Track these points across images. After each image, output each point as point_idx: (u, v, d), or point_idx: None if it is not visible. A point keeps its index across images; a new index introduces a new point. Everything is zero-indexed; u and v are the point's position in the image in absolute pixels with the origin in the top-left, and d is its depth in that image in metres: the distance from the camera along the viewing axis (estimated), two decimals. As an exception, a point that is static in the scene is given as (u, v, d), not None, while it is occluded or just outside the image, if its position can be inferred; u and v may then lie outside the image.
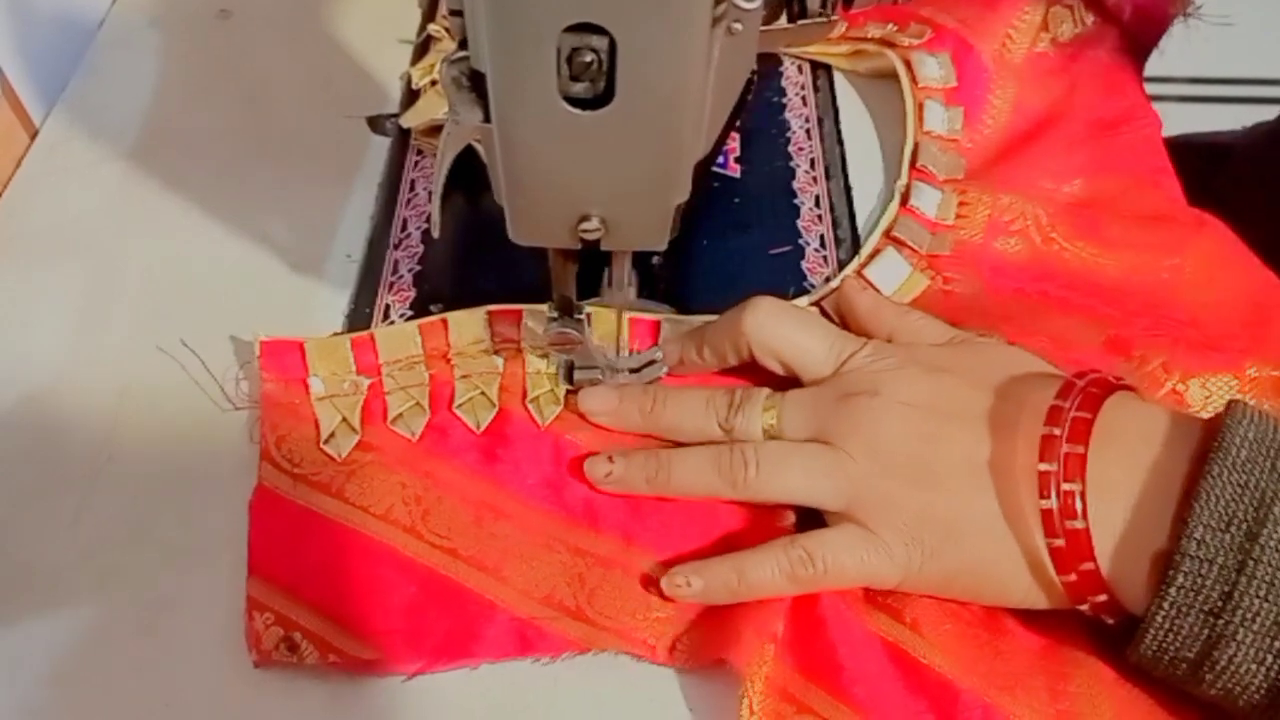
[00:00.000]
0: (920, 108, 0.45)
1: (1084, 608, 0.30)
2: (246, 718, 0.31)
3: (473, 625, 0.32)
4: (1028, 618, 0.32)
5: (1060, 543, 0.29)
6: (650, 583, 0.33)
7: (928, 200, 0.42)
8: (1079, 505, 0.29)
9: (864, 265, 0.40)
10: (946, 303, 0.39)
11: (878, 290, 0.39)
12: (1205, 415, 0.32)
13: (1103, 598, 0.29)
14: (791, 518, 0.34)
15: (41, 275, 0.42)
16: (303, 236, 0.43)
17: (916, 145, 0.44)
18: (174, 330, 0.38)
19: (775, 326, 0.35)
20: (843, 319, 0.38)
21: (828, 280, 0.41)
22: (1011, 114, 0.45)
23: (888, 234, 0.41)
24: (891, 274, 0.40)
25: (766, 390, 0.35)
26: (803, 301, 0.40)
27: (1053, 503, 0.29)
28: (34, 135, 0.47)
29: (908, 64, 0.46)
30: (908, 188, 0.43)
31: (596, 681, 0.32)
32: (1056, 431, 0.29)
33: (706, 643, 0.32)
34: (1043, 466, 0.29)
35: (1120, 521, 0.29)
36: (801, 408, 0.34)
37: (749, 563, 0.32)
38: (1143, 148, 0.45)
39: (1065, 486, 0.29)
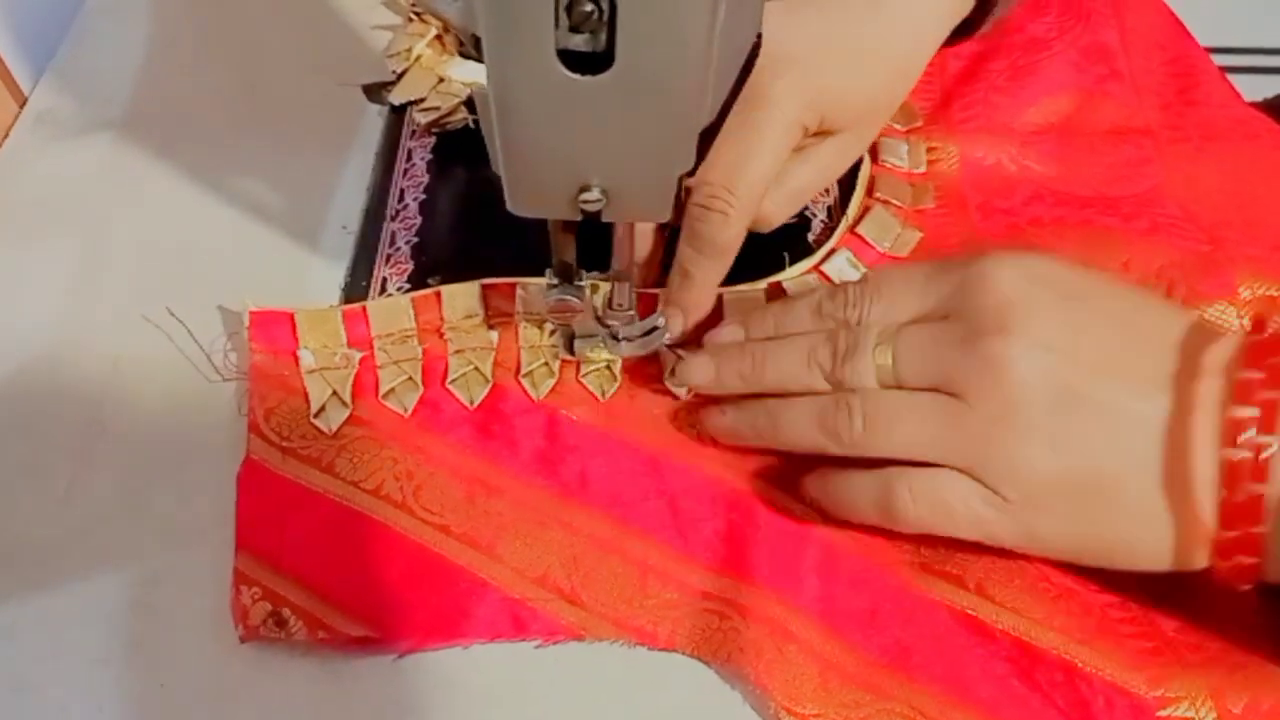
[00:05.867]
0: None
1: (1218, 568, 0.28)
2: (241, 694, 0.30)
3: (464, 604, 0.31)
4: (1095, 573, 0.31)
5: (1239, 498, 0.26)
6: (647, 569, 0.32)
7: (897, 152, 0.43)
8: (1268, 456, 0.26)
9: (854, 225, 0.40)
10: (943, 254, 0.39)
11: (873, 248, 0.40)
12: None
13: (1251, 560, 0.27)
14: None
15: (31, 246, 0.41)
16: (297, 207, 0.42)
17: None
18: (165, 302, 0.38)
19: None
20: None
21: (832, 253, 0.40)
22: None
23: (870, 193, 0.42)
24: (884, 231, 0.40)
25: (877, 327, 0.31)
26: (802, 265, 0.39)
27: (1242, 453, 0.26)
28: (23, 104, 0.46)
29: None
30: (874, 145, 0.43)
31: (594, 662, 0.31)
32: (1256, 375, 0.26)
33: (711, 641, 0.31)
34: (1239, 411, 0.26)
35: None
36: (920, 348, 0.30)
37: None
38: (1079, 59, 0.45)
39: (1261, 439, 0.26)
